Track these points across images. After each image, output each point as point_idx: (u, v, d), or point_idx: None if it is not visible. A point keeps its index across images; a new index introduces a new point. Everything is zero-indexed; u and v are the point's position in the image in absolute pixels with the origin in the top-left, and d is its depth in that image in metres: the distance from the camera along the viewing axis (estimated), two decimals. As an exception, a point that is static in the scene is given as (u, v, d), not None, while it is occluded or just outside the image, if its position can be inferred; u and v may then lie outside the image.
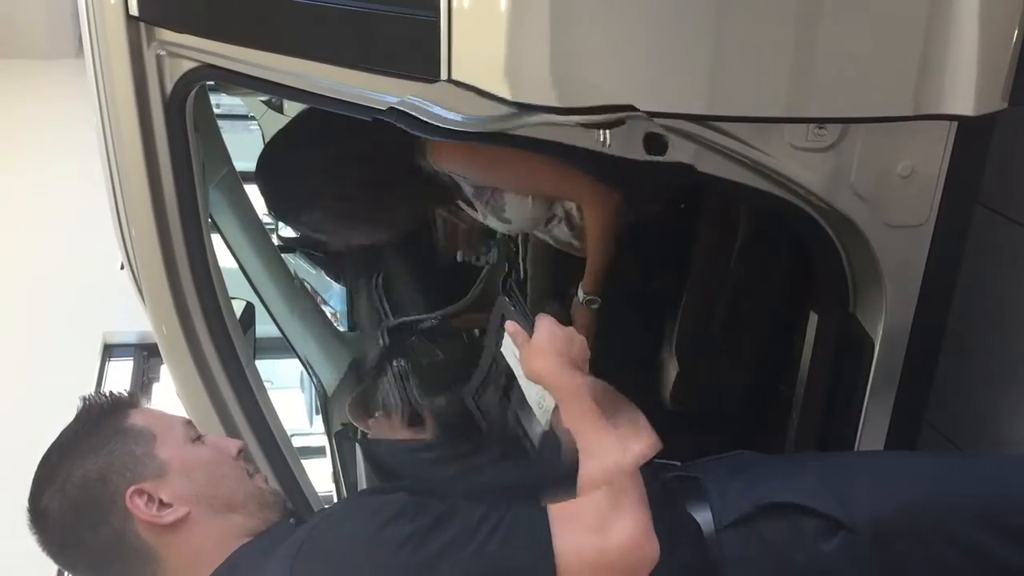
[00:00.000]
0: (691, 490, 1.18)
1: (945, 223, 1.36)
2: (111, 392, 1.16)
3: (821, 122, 1.24)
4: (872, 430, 1.51)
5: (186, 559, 1.07)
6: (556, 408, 1.17)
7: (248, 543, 1.09)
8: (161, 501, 1.08)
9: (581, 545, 0.93)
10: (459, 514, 0.98)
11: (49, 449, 1.13)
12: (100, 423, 1.13)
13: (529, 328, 1.24)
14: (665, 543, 0.96)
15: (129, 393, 1.18)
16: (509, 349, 1.29)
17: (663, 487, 1.02)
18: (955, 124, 1.28)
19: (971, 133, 1.29)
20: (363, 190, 1.71)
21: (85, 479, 1.08)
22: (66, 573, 1.18)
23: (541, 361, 1.17)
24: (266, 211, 1.84)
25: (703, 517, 1.13)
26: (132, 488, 1.08)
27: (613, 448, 0.97)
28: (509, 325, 1.27)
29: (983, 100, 1.20)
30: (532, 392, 1.24)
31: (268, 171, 1.78)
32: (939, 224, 1.36)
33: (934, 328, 1.47)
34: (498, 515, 0.97)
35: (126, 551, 1.07)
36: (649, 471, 1.04)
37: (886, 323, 1.42)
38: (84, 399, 1.15)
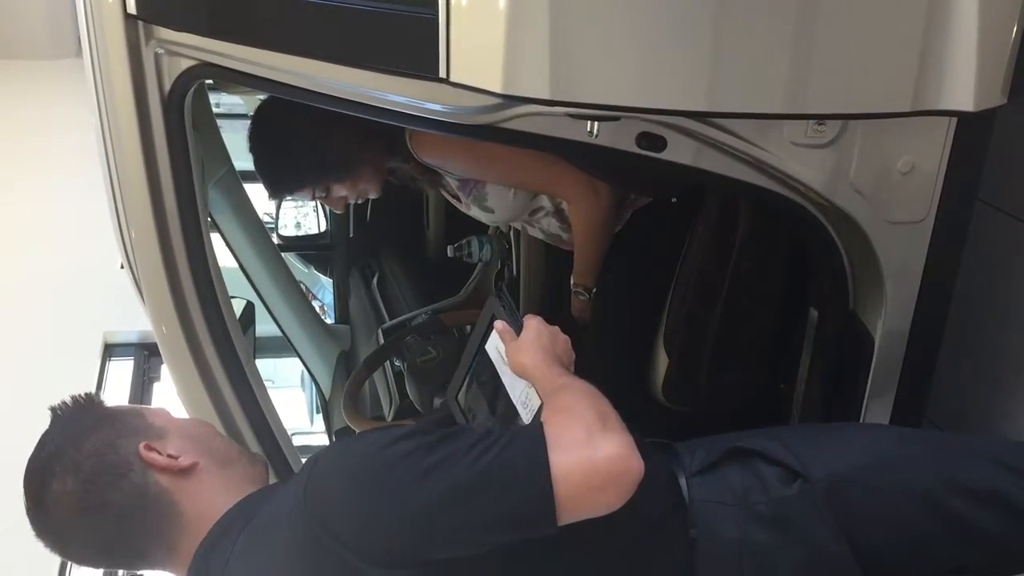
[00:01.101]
0: (663, 449, 1.25)
1: (945, 219, 1.36)
2: (74, 394, 1.20)
3: (821, 118, 1.24)
4: (873, 427, 1.51)
5: (202, 506, 1.12)
6: (540, 408, 1.20)
7: (256, 491, 1.15)
8: (170, 454, 1.14)
9: (572, 457, 0.99)
10: (465, 431, 1.04)
11: (37, 451, 1.15)
12: (81, 416, 1.17)
13: (518, 329, 1.26)
14: (640, 486, 1.01)
15: (93, 393, 1.23)
16: (495, 348, 1.31)
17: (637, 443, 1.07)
18: (954, 120, 1.28)
19: (971, 129, 1.29)
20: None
21: (96, 449, 1.12)
22: (69, 566, 1.21)
23: (528, 356, 1.21)
24: (266, 192, 1.84)
25: (675, 468, 1.20)
26: (144, 443, 1.13)
27: (580, 438, 1.01)
28: (498, 323, 1.29)
29: (982, 95, 1.19)
30: (517, 391, 1.26)
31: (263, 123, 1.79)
32: (939, 220, 1.36)
33: (934, 324, 1.47)
34: (500, 432, 1.03)
35: (149, 503, 1.11)
36: None
37: (886, 319, 1.42)
38: (53, 408, 1.19)
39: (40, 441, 1.16)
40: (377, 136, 1.74)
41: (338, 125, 1.70)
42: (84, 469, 1.11)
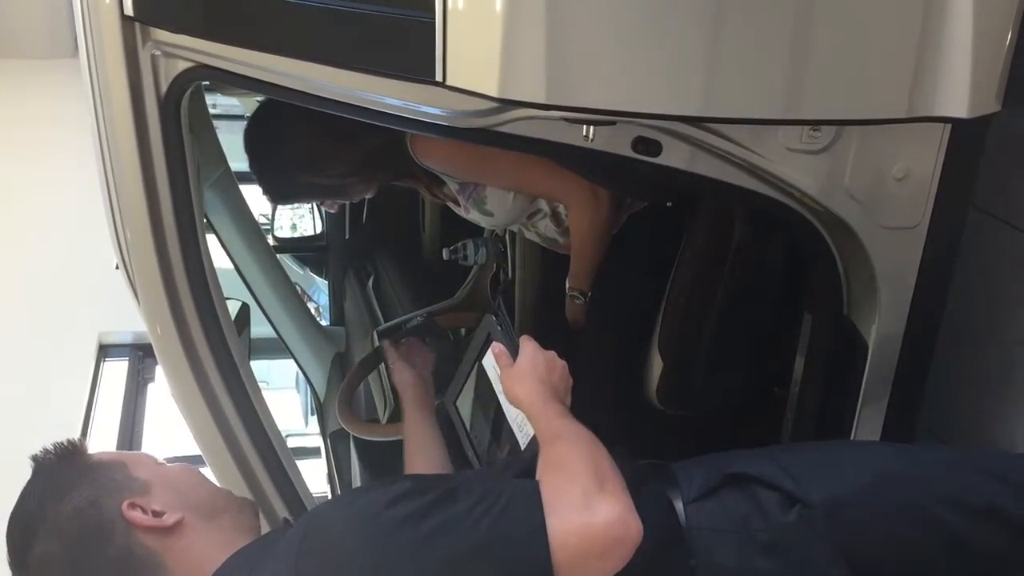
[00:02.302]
0: (660, 473, 1.22)
1: (939, 225, 1.36)
2: (57, 443, 1.17)
3: (816, 124, 1.24)
4: (866, 432, 1.51)
5: (190, 564, 1.09)
6: (535, 436, 1.18)
7: (247, 545, 1.12)
8: (155, 511, 1.10)
9: (570, 522, 0.98)
10: (459, 494, 1.02)
11: (19, 506, 1.13)
12: (63, 468, 1.14)
13: (513, 349, 1.24)
14: (639, 517, 1.00)
15: (76, 440, 1.19)
16: (491, 366, 1.30)
17: (634, 471, 1.05)
18: (949, 126, 1.28)
19: (965, 135, 1.29)
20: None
21: (77, 510, 1.09)
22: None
23: (522, 387, 1.20)
24: (262, 193, 1.87)
25: (672, 495, 1.18)
26: (126, 502, 1.10)
27: (577, 502, 0.99)
28: (495, 347, 1.28)
29: (977, 102, 1.20)
30: (513, 412, 1.25)
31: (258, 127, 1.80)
32: (933, 226, 1.36)
33: (928, 330, 1.47)
34: (495, 494, 1.01)
35: (135, 565, 1.09)
36: (620, 459, 1.08)
37: (880, 325, 1.42)
38: (34, 456, 1.16)
39: (22, 494, 1.13)
40: (374, 166, 1.76)
41: (335, 150, 1.71)
42: (66, 531, 1.09)
